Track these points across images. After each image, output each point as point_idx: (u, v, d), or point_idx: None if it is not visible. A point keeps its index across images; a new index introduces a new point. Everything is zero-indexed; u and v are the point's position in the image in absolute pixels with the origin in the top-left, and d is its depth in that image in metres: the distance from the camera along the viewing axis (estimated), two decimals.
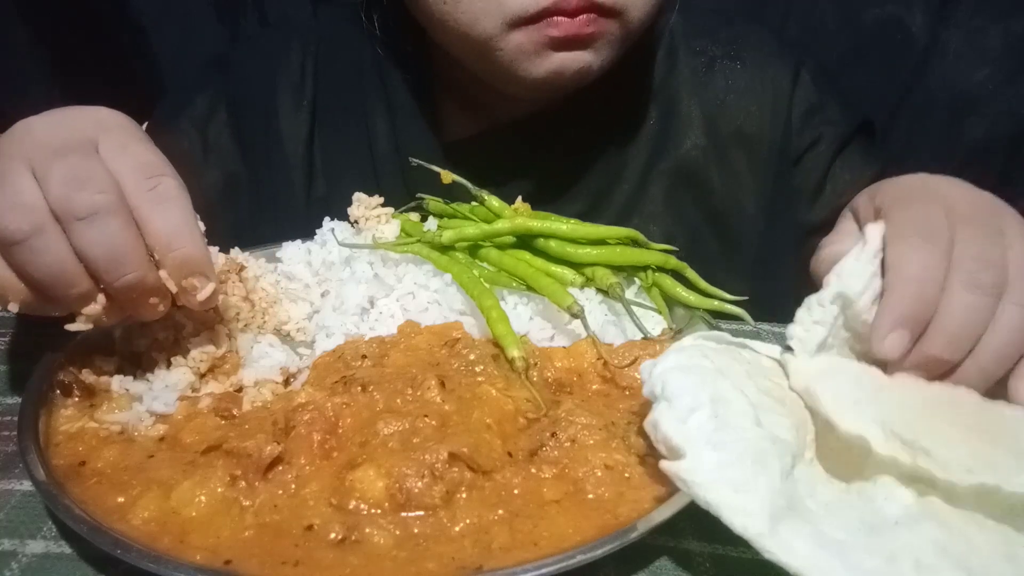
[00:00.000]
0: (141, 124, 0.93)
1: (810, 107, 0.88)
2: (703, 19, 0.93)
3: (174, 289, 0.52)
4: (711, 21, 0.93)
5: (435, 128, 0.88)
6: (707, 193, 0.89)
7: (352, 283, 0.67)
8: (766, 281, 0.87)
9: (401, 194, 0.79)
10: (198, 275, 0.52)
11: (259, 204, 0.92)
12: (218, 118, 0.91)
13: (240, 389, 0.59)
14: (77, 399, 0.55)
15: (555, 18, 0.69)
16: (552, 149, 0.86)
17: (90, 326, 0.52)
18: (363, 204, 0.74)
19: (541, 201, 0.87)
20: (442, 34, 0.76)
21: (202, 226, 0.54)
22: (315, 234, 0.75)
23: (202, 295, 0.53)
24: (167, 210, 0.51)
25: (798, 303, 0.52)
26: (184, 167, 0.91)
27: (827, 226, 0.68)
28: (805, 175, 0.89)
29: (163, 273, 0.51)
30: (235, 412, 0.55)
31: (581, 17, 0.69)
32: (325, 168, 0.91)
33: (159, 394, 0.56)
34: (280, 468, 0.47)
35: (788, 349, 0.51)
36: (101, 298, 0.50)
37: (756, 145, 0.88)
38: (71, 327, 0.52)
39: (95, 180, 0.48)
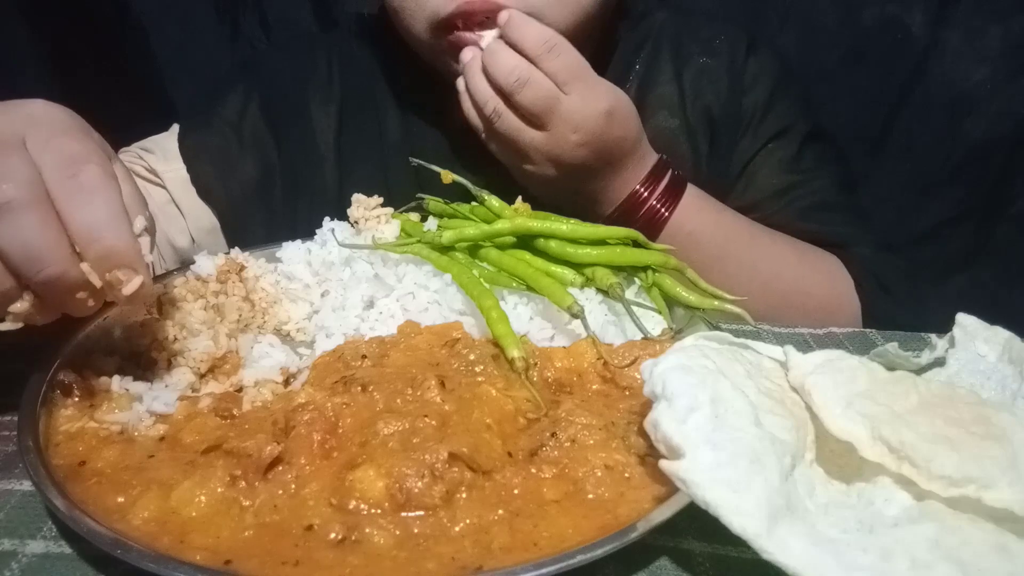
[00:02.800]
0: (144, 122, 0.96)
1: (759, 102, 0.94)
2: (690, 20, 0.99)
3: (98, 283, 0.48)
4: (697, 22, 0.99)
5: (441, 117, 0.92)
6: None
7: (352, 283, 0.67)
8: None
9: (412, 184, 0.81)
10: (124, 268, 0.49)
11: (295, 194, 0.95)
12: (251, 113, 0.95)
13: (240, 389, 0.59)
14: (77, 399, 0.55)
15: (462, 36, 0.77)
16: None
17: (20, 325, 0.50)
18: (362, 205, 0.74)
19: None
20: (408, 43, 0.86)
21: (142, 221, 0.51)
22: (315, 234, 0.76)
23: (128, 289, 0.49)
24: (89, 200, 0.48)
25: None
26: (220, 162, 0.93)
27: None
28: (737, 159, 0.95)
29: (85, 266, 0.48)
30: (235, 412, 0.55)
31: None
32: (348, 160, 0.95)
33: (159, 394, 0.56)
34: (280, 468, 0.47)
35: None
36: (28, 296, 0.49)
37: (717, 134, 0.94)
38: (0, 327, 0.50)
39: (11, 174, 0.46)
